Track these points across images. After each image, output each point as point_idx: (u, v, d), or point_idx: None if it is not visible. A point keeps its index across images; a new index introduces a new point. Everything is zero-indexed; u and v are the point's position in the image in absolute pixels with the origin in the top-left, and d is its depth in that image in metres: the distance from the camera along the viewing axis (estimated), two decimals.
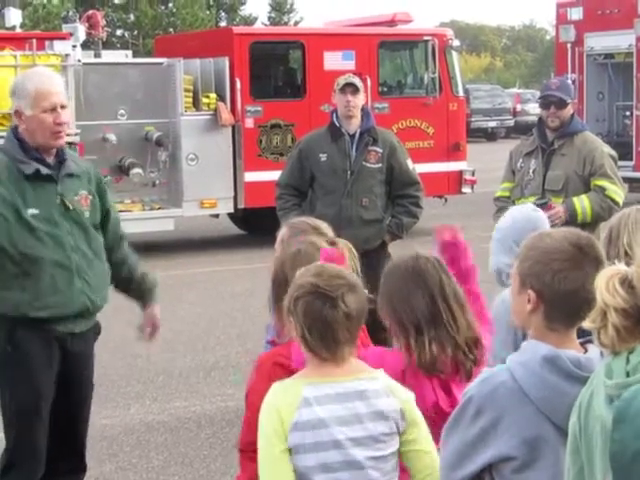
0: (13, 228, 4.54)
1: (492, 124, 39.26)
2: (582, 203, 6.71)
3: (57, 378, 4.71)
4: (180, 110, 14.66)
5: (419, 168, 7.82)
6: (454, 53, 16.87)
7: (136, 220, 13.73)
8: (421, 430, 3.16)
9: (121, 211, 11.72)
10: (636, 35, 17.43)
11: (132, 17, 54.28)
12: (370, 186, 7.11)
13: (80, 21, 15.84)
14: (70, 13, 17.91)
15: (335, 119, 7.17)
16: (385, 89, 16.42)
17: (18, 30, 16.60)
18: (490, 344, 3.67)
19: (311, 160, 7.17)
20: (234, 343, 9.53)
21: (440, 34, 16.75)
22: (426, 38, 16.28)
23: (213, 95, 14.88)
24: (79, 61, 14.18)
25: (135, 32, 54.00)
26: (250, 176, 15.10)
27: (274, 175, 14.91)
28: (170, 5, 54.26)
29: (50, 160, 4.69)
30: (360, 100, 7.13)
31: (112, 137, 14.35)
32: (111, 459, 6.72)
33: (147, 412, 7.67)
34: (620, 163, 19.48)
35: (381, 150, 7.12)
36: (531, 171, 6.87)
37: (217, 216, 15.72)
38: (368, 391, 3.10)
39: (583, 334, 2.87)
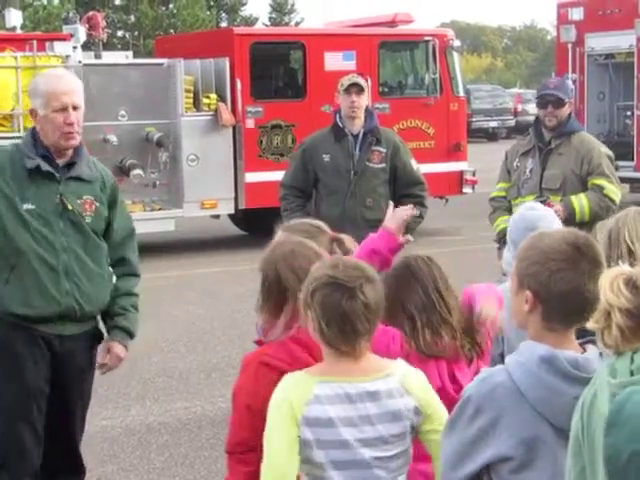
0: (6, 220, 4.55)
1: (493, 124, 39.26)
2: (580, 202, 6.71)
3: (51, 380, 4.69)
4: (181, 111, 14.66)
5: (420, 169, 7.81)
6: (455, 53, 16.86)
7: (137, 221, 13.46)
8: (440, 418, 3.14)
9: None
10: (637, 35, 17.42)
11: (133, 18, 54.33)
12: (374, 186, 7.10)
13: (80, 22, 15.83)
14: (70, 14, 17.89)
15: (338, 119, 7.17)
16: (386, 89, 16.42)
17: (19, 31, 16.62)
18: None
19: (314, 160, 7.17)
20: (235, 344, 9.53)
21: (441, 34, 16.75)
22: (427, 38, 16.28)
23: (214, 96, 14.88)
24: (80, 62, 14.19)
25: (136, 33, 54.04)
26: (251, 177, 15.10)
27: (275, 176, 15.01)
28: (171, 6, 54.29)
29: (60, 161, 4.69)
30: (364, 100, 7.13)
31: (113, 138, 14.35)
32: (112, 460, 6.72)
33: (148, 413, 7.67)
34: (621, 163, 19.50)
35: (385, 150, 7.12)
36: (528, 170, 6.87)
37: (218, 217, 15.71)
38: (380, 392, 3.07)
39: (584, 334, 2.87)
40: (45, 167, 4.62)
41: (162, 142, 14.55)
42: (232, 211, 15.35)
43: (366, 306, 3.03)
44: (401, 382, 3.12)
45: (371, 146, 7.10)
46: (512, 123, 39.03)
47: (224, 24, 54.20)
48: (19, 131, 12.94)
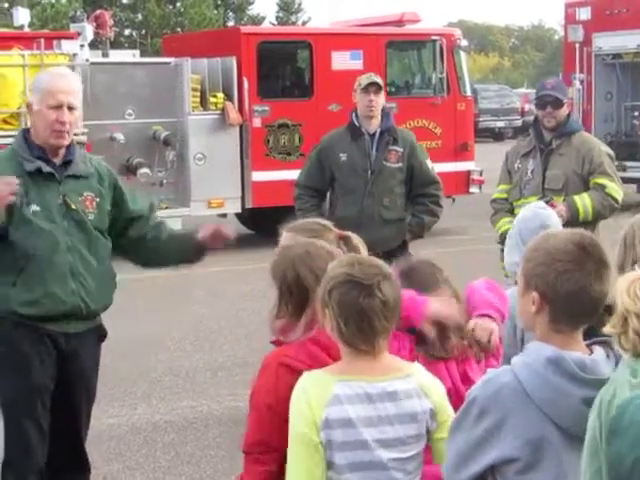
0: (14, 223, 4.56)
1: (500, 124, 39.24)
2: (583, 201, 6.71)
3: (56, 377, 4.70)
4: (188, 110, 14.66)
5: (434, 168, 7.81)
6: (462, 53, 16.86)
7: None
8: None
9: None
10: None
11: (140, 16, 54.40)
12: (391, 186, 7.13)
13: (88, 21, 15.85)
14: (78, 13, 17.93)
15: (355, 118, 7.19)
16: (393, 89, 16.39)
17: (26, 29, 16.65)
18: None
19: (331, 160, 7.17)
20: (241, 343, 9.53)
21: (448, 34, 16.74)
22: (434, 38, 16.27)
23: (221, 95, 14.88)
24: (87, 60, 14.21)
25: (143, 31, 54.09)
26: (257, 176, 15.11)
27: (282, 175, 15.10)
28: (178, 5, 54.36)
29: (56, 160, 4.70)
30: (382, 100, 7.16)
31: (120, 136, 14.35)
32: (118, 458, 6.73)
33: (154, 412, 7.67)
34: (628, 164, 19.37)
35: (401, 149, 7.14)
36: (529, 171, 6.87)
37: (225, 216, 15.71)
38: (399, 392, 3.06)
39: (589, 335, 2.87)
40: (46, 169, 4.63)
41: (169, 141, 14.55)
42: (239, 210, 15.36)
43: (384, 303, 3.02)
44: (420, 384, 3.11)
45: (388, 145, 7.12)
46: (519, 123, 38.98)
47: (231, 23, 54.23)
48: None
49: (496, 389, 2.77)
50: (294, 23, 56.24)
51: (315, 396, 3.02)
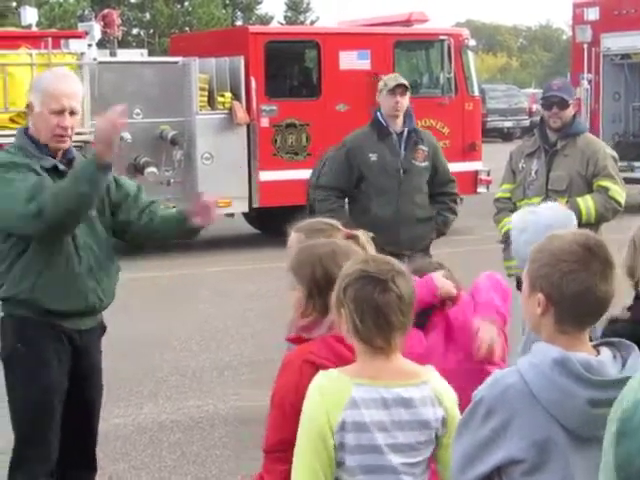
0: None
1: (508, 124, 39.23)
2: (586, 203, 6.71)
3: (70, 375, 4.72)
4: (195, 109, 14.68)
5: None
6: (470, 53, 16.85)
7: None
8: None
9: None
10: None
11: (148, 16, 54.47)
12: (420, 185, 7.23)
13: (96, 20, 15.88)
14: (86, 12, 17.96)
15: (380, 117, 7.21)
16: None
17: (34, 28, 16.68)
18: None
19: (359, 159, 7.19)
20: (248, 342, 9.53)
21: (456, 34, 16.73)
22: (442, 38, 16.27)
23: (228, 94, 14.89)
24: (94, 60, 14.23)
25: (151, 31, 54.15)
26: (265, 175, 15.11)
27: (289, 174, 15.12)
28: (186, 4, 54.41)
29: (59, 159, 4.70)
30: (407, 100, 7.26)
31: (127, 136, 14.34)
32: (124, 458, 6.73)
33: (160, 411, 7.68)
34: (636, 164, 19.32)
35: (427, 149, 7.24)
36: (533, 172, 6.87)
37: (232, 215, 15.71)
38: (415, 400, 3.06)
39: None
40: (61, 166, 4.64)
41: (176, 140, 14.57)
42: (246, 210, 15.37)
43: (400, 298, 3.02)
44: (435, 391, 3.11)
45: (416, 145, 7.18)
46: (527, 123, 38.97)
47: (239, 22, 54.28)
48: None
49: (502, 389, 2.76)
50: (302, 23, 56.28)
51: (332, 398, 3.01)
